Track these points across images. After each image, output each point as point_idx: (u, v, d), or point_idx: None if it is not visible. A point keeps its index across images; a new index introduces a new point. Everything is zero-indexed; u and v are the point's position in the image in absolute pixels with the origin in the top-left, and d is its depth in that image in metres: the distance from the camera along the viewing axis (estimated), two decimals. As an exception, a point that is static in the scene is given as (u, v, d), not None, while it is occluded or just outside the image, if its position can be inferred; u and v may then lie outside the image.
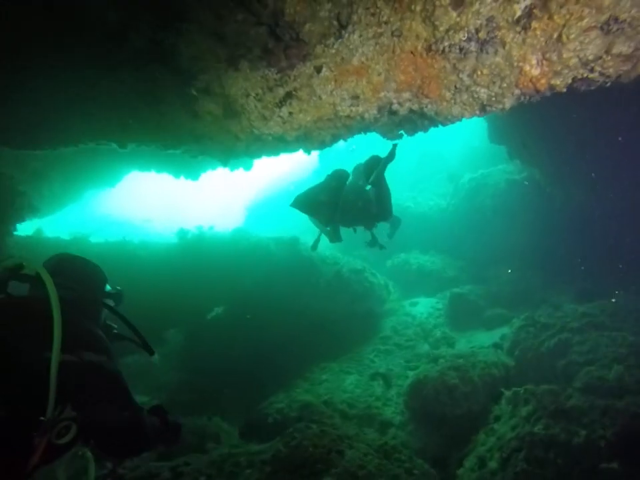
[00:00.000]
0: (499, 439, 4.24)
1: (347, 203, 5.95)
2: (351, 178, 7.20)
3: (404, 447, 5.09)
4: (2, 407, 1.21)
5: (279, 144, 4.40)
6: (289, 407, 6.40)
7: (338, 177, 5.66)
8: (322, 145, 4.84)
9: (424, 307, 9.46)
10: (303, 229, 16.58)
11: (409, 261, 10.83)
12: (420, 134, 5.10)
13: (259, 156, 4.92)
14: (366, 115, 3.70)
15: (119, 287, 2.06)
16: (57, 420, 1.33)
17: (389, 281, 9.94)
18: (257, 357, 7.87)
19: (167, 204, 22.31)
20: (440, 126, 4.93)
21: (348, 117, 3.74)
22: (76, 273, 1.85)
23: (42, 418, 1.27)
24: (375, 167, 5.95)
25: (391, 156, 5.99)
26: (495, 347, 7.19)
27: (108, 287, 2.02)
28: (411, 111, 3.80)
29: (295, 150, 4.93)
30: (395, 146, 6.01)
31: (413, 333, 8.41)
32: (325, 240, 14.08)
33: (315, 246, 6.96)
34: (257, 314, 8.06)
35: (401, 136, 6.07)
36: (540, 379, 5.81)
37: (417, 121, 4.54)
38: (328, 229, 6.76)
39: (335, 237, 6.58)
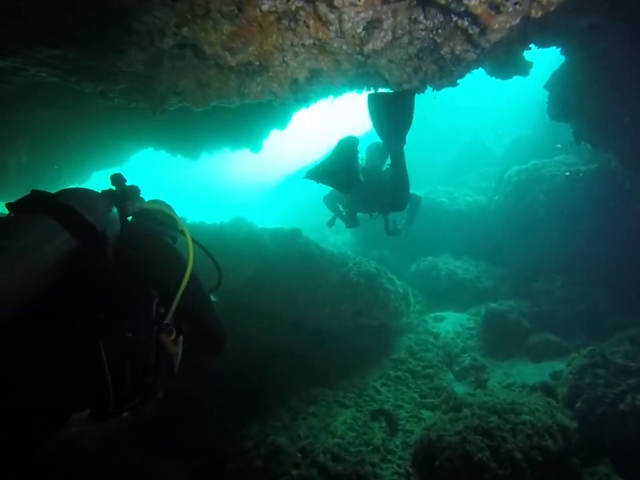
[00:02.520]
0: None
1: (363, 186, 5.36)
2: (365, 159, 5.85)
3: None
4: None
5: (222, 75, 2.69)
6: (256, 450, 4.72)
7: (346, 145, 4.94)
8: (295, 85, 3.11)
9: (451, 324, 7.44)
10: (313, 225, 14.85)
11: (437, 266, 8.78)
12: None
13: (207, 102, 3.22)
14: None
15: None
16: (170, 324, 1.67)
17: (410, 289, 7.98)
18: (237, 372, 6.27)
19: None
20: (479, 60, 3.04)
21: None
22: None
23: (166, 322, 1.62)
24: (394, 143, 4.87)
25: (406, 118, 4.43)
26: (544, 390, 5.11)
27: None
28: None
29: (256, 95, 3.22)
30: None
31: (434, 357, 6.44)
32: (340, 236, 12.40)
33: (331, 222, 6.52)
34: (240, 322, 6.45)
35: (422, 88, 4.20)
36: (622, 458, 3.74)
37: (442, 43, 2.69)
38: (343, 212, 6.31)
39: (350, 222, 6.15)
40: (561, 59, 5.98)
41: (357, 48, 2.77)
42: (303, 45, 2.64)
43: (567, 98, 5.33)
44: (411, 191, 5.30)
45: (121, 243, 1.57)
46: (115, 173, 1.83)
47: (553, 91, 5.82)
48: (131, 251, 1.58)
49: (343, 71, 3.33)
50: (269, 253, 6.88)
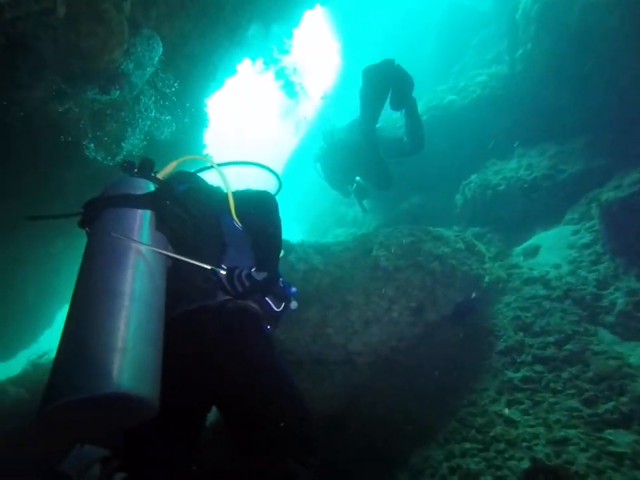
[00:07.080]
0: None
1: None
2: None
3: None
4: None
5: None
6: None
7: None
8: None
9: (555, 251, 4.71)
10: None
11: (489, 182, 5.97)
12: None
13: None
14: None
15: None
16: None
17: (470, 231, 5.37)
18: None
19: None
20: None
21: None
22: None
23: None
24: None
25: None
26: None
27: None
28: None
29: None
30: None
31: (563, 317, 3.83)
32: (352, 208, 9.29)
33: (363, 208, 6.50)
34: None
35: None
36: None
37: None
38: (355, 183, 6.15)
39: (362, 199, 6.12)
40: None
41: None
42: None
43: None
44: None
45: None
46: (124, 160, 1.86)
47: None
48: (187, 202, 1.73)
49: None
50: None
